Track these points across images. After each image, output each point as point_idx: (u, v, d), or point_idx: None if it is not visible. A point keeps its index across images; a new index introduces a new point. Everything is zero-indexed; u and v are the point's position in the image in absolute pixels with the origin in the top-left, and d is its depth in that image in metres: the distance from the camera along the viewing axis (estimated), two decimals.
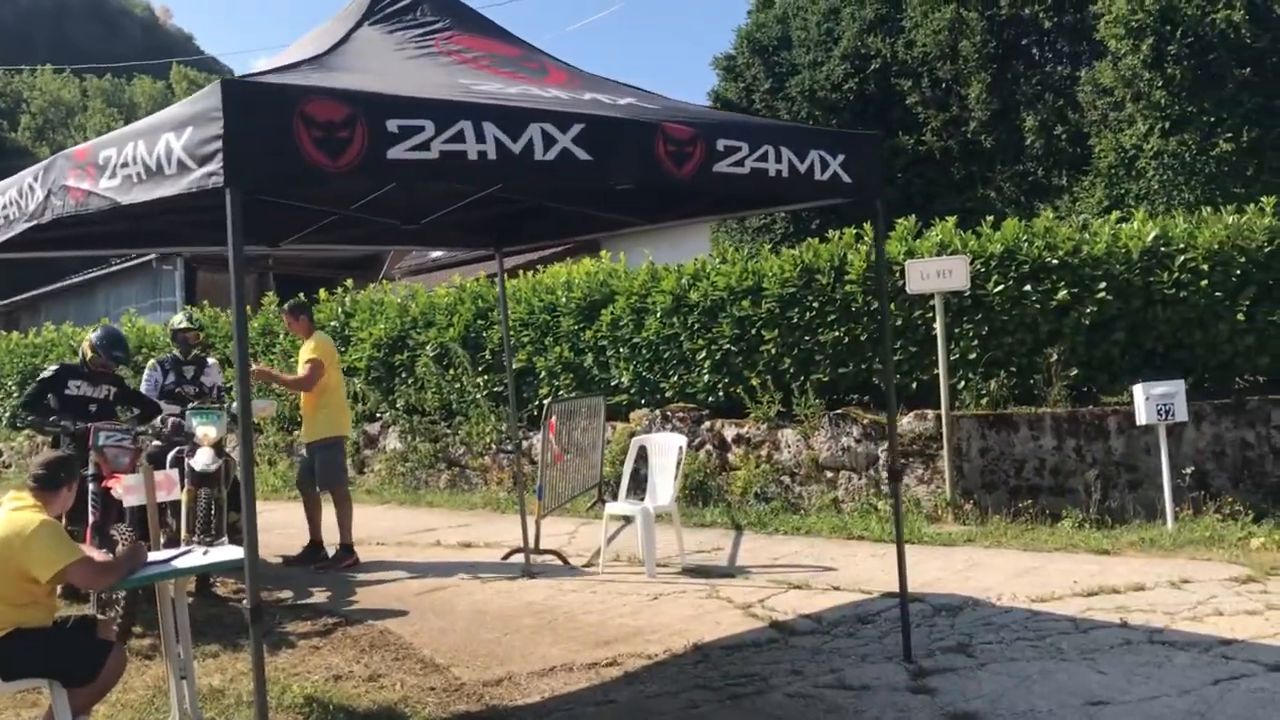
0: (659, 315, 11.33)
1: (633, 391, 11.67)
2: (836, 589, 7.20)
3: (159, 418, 7.94)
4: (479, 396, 12.81)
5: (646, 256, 12.18)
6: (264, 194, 5.86)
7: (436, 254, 25.40)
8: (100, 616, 5.41)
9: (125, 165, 4.13)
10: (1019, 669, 5.36)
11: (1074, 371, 9.40)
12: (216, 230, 6.93)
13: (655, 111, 4.85)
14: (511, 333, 12.60)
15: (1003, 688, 5.09)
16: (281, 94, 3.66)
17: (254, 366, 9.12)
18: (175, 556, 4.98)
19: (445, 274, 21.36)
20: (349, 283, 15.36)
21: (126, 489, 5.70)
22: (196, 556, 4.95)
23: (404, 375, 13.68)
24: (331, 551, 8.75)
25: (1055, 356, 9.34)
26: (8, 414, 19.45)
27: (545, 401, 12.11)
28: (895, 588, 7.00)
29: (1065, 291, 9.32)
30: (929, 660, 5.59)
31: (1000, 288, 9.48)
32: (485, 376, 12.87)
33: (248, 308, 16.21)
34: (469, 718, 5.07)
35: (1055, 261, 9.44)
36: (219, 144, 3.59)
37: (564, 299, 12.32)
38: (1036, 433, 9.28)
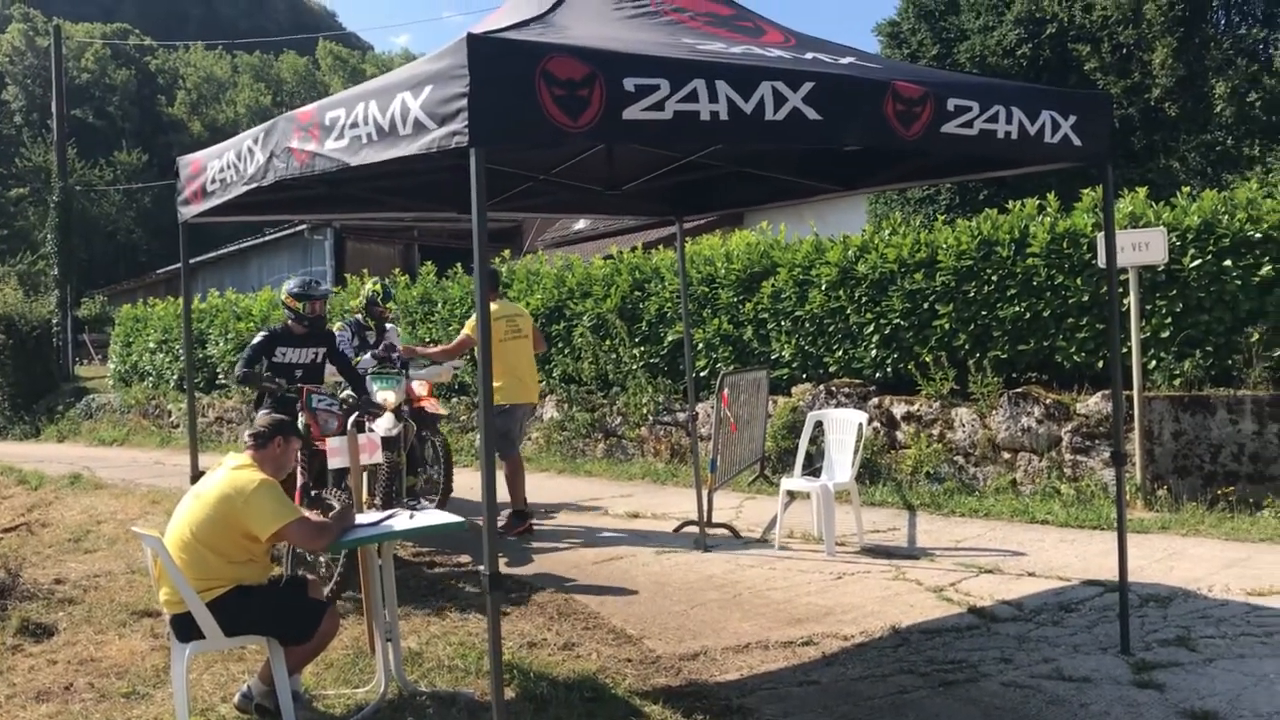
0: (824, 288, 11.07)
1: (794, 366, 11.44)
2: (1031, 575, 6.90)
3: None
4: (635, 368, 12.76)
5: (812, 228, 11.91)
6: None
7: (579, 225, 25.45)
8: (310, 577, 5.49)
9: (354, 126, 4.10)
10: (1253, 667, 5.01)
11: (1277, 352, 8.83)
12: (400, 196, 7.00)
13: (882, 70, 4.63)
14: (670, 304, 12.50)
15: (1239, 686, 4.77)
16: (526, 51, 3.57)
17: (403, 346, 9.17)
18: (382, 519, 5.00)
19: (590, 245, 21.42)
20: (506, 253, 15.46)
21: (331, 451, 5.77)
22: (405, 519, 4.96)
23: (560, 345, 13.71)
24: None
25: (1256, 336, 8.78)
26: (176, 376, 20.27)
27: (701, 375, 12.02)
28: (1093, 575, 6.80)
29: (1269, 267, 8.74)
30: (1148, 653, 5.28)
31: (1197, 262, 8.95)
32: (642, 348, 12.79)
33: (405, 277, 16.49)
34: (670, 692, 4.97)
35: (1259, 235, 8.85)
36: (462, 103, 3.51)
37: (723, 270, 12.14)
38: (1235, 416, 8.74)
